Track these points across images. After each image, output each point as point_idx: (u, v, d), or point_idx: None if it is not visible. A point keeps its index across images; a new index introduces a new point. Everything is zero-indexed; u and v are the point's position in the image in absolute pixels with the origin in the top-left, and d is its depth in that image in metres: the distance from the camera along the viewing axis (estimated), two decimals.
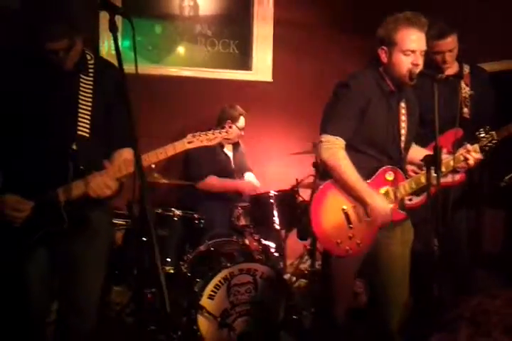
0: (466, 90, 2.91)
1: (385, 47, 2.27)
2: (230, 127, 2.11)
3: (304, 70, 4.70)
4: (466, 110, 2.89)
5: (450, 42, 2.87)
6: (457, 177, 2.73)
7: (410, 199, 2.40)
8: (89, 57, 2.02)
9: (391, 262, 2.39)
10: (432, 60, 2.84)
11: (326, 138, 2.25)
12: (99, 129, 1.99)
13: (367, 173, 2.29)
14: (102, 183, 1.90)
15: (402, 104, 2.37)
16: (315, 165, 3.33)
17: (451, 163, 2.32)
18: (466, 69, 2.97)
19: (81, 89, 1.97)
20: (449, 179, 2.67)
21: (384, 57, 2.28)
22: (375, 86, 2.31)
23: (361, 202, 2.27)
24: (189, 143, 2.01)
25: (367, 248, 2.33)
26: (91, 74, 1.99)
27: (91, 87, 1.98)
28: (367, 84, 2.30)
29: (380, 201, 2.28)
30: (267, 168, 4.19)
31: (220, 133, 2.05)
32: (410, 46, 2.22)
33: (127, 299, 3.34)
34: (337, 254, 2.31)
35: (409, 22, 2.22)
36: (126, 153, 2.04)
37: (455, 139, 2.68)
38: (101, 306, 3.29)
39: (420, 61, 2.25)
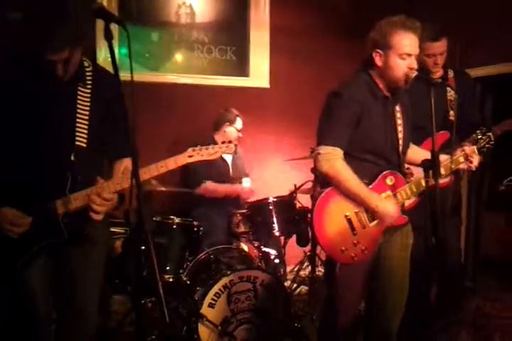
0: (451, 93, 2.97)
1: (379, 51, 2.26)
2: (230, 142, 2.12)
3: (301, 76, 4.71)
4: (452, 113, 2.95)
5: (443, 45, 2.91)
6: (446, 178, 2.75)
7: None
8: (86, 64, 2.01)
9: (392, 266, 2.38)
10: (421, 63, 2.83)
11: (324, 149, 2.23)
12: (97, 139, 1.98)
13: (367, 179, 2.28)
14: (102, 200, 1.89)
15: (397, 108, 2.36)
16: (314, 170, 3.33)
17: (451, 165, 2.31)
18: (451, 73, 3.04)
19: (79, 99, 1.96)
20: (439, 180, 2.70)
21: (378, 61, 2.27)
22: (367, 92, 2.29)
23: (368, 208, 2.26)
24: (190, 157, 2.04)
25: (371, 254, 2.32)
26: (89, 83, 1.98)
27: (89, 96, 1.97)
28: (359, 91, 2.28)
29: (387, 204, 2.28)
30: (264, 173, 4.18)
31: (220, 148, 2.08)
32: (406, 50, 2.21)
33: (127, 308, 3.32)
34: (342, 262, 2.28)
35: (405, 26, 2.22)
36: (128, 163, 2.03)
37: (443, 142, 2.73)
38: (101, 315, 3.31)
39: (416, 65, 2.24)
